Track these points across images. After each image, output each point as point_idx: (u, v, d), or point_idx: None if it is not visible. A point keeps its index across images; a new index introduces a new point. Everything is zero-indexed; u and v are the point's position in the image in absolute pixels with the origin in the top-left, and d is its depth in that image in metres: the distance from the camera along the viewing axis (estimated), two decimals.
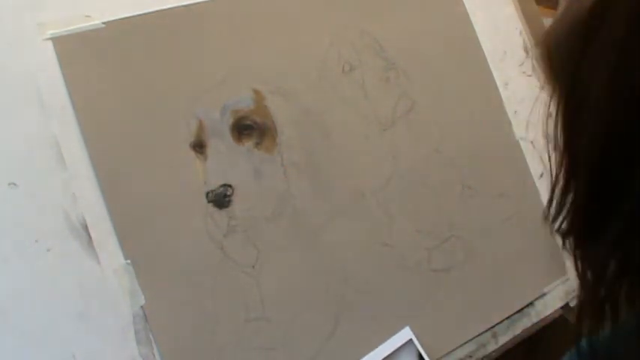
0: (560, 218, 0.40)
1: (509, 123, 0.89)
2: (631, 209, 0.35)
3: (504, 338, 0.81)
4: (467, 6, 0.90)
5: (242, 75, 0.71)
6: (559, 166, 0.40)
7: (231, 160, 0.69)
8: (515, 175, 0.88)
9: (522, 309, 0.83)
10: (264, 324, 0.67)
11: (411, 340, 0.74)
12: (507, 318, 0.82)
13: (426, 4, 0.87)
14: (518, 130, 0.89)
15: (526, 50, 0.93)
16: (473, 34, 0.89)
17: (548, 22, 0.86)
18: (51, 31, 0.62)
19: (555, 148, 0.40)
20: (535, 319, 0.84)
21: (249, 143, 0.71)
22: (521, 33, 0.93)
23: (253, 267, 0.68)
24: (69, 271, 0.59)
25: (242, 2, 0.73)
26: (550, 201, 0.41)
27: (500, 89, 0.89)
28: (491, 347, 0.82)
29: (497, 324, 0.81)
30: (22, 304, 0.57)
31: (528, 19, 0.94)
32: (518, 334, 0.83)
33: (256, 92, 0.72)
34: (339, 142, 0.76)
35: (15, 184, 0.58)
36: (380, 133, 0.80)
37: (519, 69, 0.92)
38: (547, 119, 0.41)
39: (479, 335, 0.80)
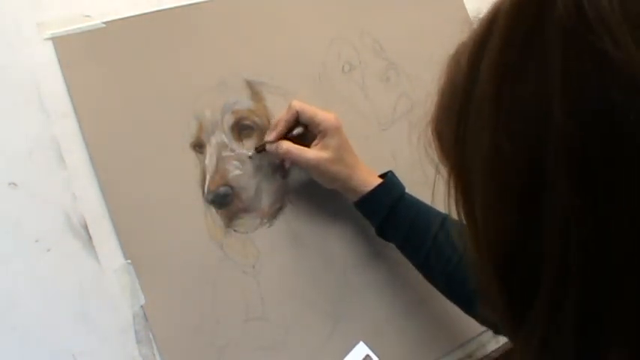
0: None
1: None
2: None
3: (505, 338, 0.81)
4: (467, 6, 0.90)
5: (242, 75, 0.71)
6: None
7: (231, 160, 0.69)
8: None
9: None
10: (264, 324, 0.67)
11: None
12: None
13: (426, 5, 0.87)
14: None
15: None
16: None
17: None
18: (51, 31, 0.62)
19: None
20: None
21: (249, 143, 0.71)
22: None
23: (253, 267, 0.68)
24: (69, 271, 0.59)
25: (242, 2, 0.73)
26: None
27: None
28: (492, 347, 0.82)
29: None
30: (22, 304, 0.57)
31: None
32: None
33: (256, 92, 0.72)
34: None
35: (15, 184, 0.58)
36: (380, 133, 0.80)
37: None
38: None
39: (480, 335, 0.80)
